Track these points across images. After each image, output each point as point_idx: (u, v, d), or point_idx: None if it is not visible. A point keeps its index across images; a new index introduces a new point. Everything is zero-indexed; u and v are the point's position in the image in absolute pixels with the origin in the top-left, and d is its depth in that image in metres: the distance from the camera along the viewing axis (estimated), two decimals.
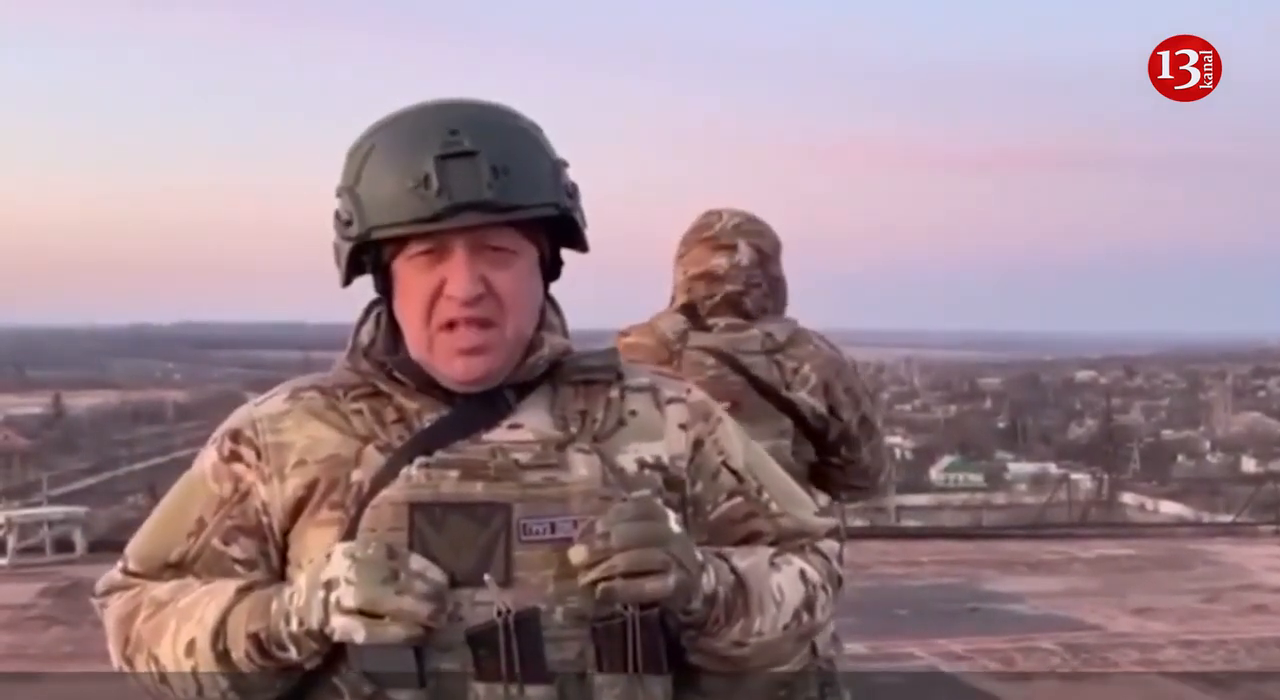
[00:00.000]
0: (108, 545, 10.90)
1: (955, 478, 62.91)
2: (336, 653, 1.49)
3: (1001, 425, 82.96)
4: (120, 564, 1.67)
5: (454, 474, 1.51)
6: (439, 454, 1.52)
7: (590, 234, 1.62)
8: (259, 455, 1.59)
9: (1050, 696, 6.80)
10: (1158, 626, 8.46)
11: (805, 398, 3.11)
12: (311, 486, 1.56)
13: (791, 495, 1.73)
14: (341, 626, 1.45)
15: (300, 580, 1.50)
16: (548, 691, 1.46)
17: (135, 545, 1.66)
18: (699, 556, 1.53)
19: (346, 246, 1.57)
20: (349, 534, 1.51)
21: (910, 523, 22.47)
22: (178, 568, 1.61)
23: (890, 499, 21.02)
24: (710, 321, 3.19)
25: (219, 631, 1.52)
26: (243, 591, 1.54)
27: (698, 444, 1.65)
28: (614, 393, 1.63)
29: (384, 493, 1.51)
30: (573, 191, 1.58)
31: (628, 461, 1.59)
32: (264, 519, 1.59)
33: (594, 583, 1.47)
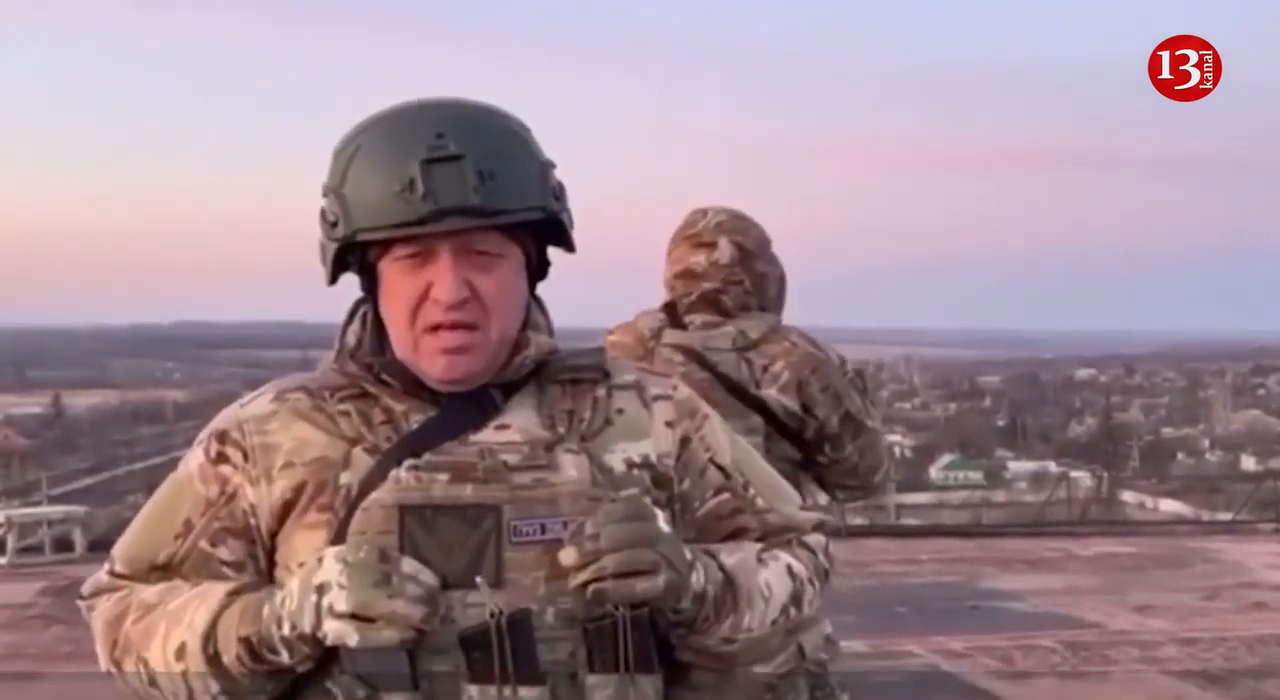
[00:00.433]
0: (107, 545, 10.70)
1: (955, 476, 62.90)
2: (328, 656, 1.49)
3: (1001, 423, 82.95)
4: (107, 566, 1.66)
5: (443, 476, 1.51)
6: (428, 456, 1.52)
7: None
8: (246, 457, 1.59)
9: (1050, 694, 6.80)
10: (1157, 624, 8.46)
11: (775, 395, 3.10)
12: (299, 489, 1.56)
13: (777, 490, 1.73)
14: (334, 630, 1.44)
15: (292, 584, 1.49)
16: (540, 692, 1.47)
17: (122, 547, 1.65)
18: (688, 555, 1.53)
19: (332, 247, 1.56)
20: (338, 537, 1.51)
21: (910, 521, 22.47)
22: (165, 570, 1.61)
23: (890, 497, 21.00)
24: (688, 319, 3.20)
25: (209, 635, 1.52)
26: (233, 595, 1.54)
27: (684, 441, 1.65)
28: (601, 391, 1.63)
29: (373, 495, 1.51)
30: (559, 193, 1.58)
31: (616, 461, 1.59)
32: (252, 521, 1.58)
33: (585, 584, 1.47)
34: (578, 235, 1.62)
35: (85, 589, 1.67)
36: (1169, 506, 35.27)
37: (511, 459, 1.53)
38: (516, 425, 1.57)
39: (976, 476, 62.08)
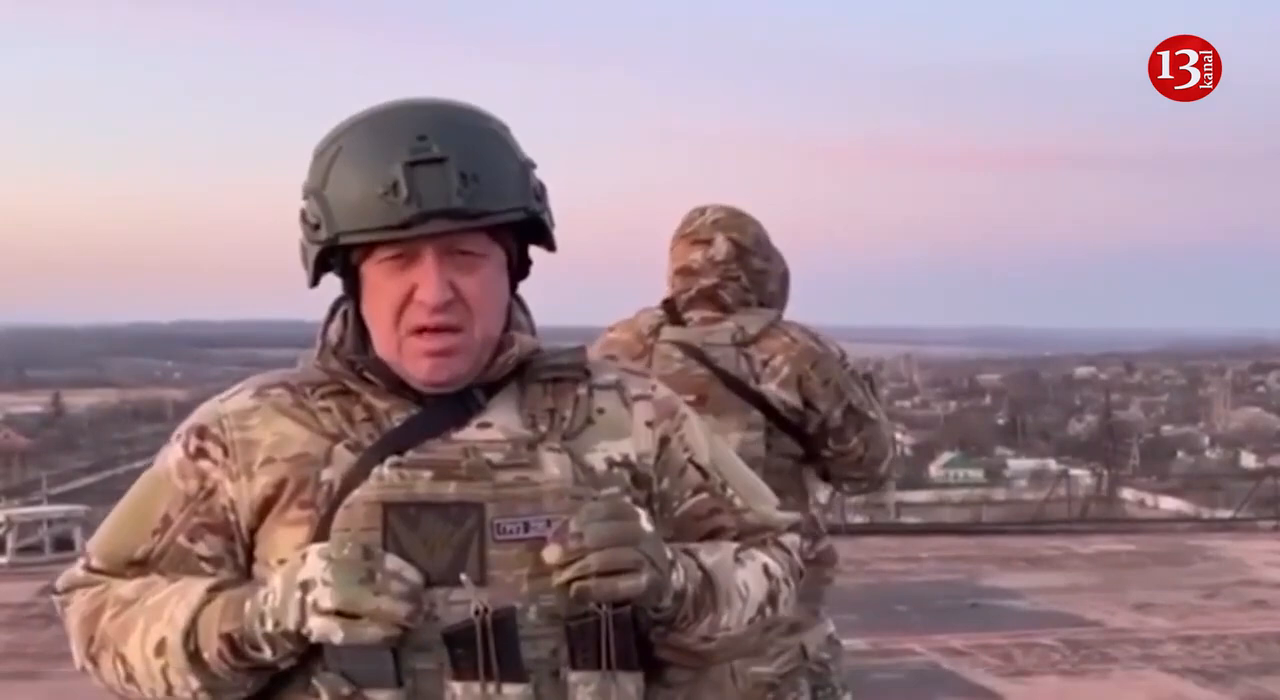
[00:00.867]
0: None
1: (955, 474, 62.97)
2: (310, 653, 1.48)
3: (1001, 421, 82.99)
4: (82, 561, 1.65)
5: (427, 474, 1.51)
6: (411, 454, 1.52)
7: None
8: (226, 452, 1.58)
9: (1050, 692, 6.80)
10: (1157, 622, 8.46)
11: (775, 390, 3.11)
12: (280, 485, 1.55)
13: (755, 490, 1.74)
14: (319, 627, 1.44)
15: (275, 581, 1.48)
16: (524, 690, 1.47)
17: (98, 542, 1.64)
18: (669, 554, 1.54)
19: (314, 249, 1.55)
20: (320, 533, 1.50)
21: (910, 519, 22.50)
22: (142, 565, 1.59)
23: (890, 495, 21.04)
24: (687, 316, 3.21)
25: (190, 631, 1.51)
26: (214, 591, 1.53)
27: (664, 441, 1.65)
28: (582, 390, 1.63)
29: (356, 493, 1.50)
30: (540, 193, 1.58)
31: (596, 460, 1.59)
32: (231, 517, 1.58)
33: (568, 582, 1.47)
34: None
35: (59, 584, 1.65)
36: (1169, 504, 35.30)
37: (494, 457, 1.53)
38: (499, 424, 1.57)
39: (976, 475, 62.15)
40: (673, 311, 3.23)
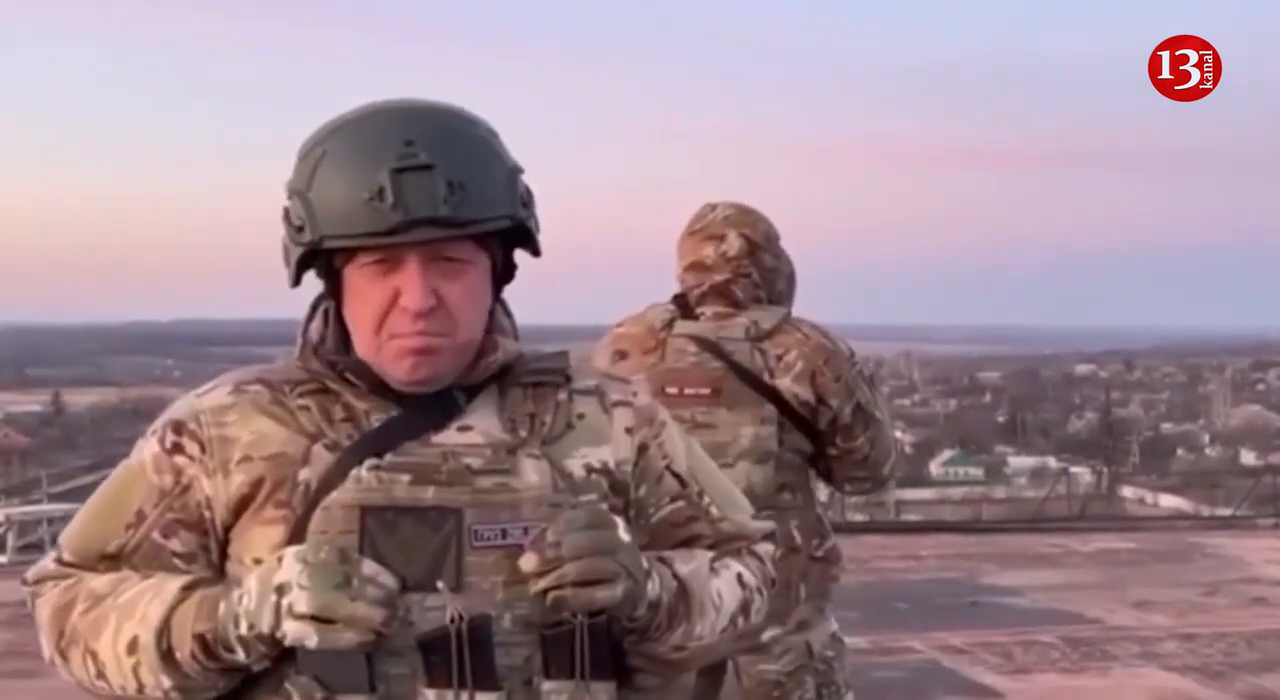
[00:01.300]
0: None
1: (955, 472, 62.97)
2: (284, 655, 1.48)
3: (1001, 419, 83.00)
4: (54, 553, 1.64)
5: (405, 477, 1.50)
6: (390, 457, 1.51)
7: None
8: (203, 448, 1.57)
9: (1050, 690, 6.79)
10: (1157, 620, 8.45)
11: (788, 385, 3.12)
12: (257, 484, 1.54)
13: (731, 499, 1.73)
14: (294, 631, 1.43)
15: (250, 583, 1.48)
16: (496, 698, 1.47)
17: (70, 535, 1.63)
18: (645, 563, 1.54)
19: (297, 251, 1.54)
20: (296, 534, 1.50)
21: (910, 517, 22.48)
22: (115, 559, 1.58)
23: (890, 493, 21.01)
24: (699, 310, 3.22)
25: (163, 630, 1.50)
26: (188, 589, 1.52)
27: (643, 448, 1.65)
28: (562, 395, 1.62)
29: (334, 495, 1.49)
30: (527, 199, 1.56)
31: (575, 466, 1.59)
32: (206, 513, 1.57)
33: (545, 591, 1.47)
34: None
35: (30, 575, 1.64)
36: (1169, 502, 35.28)
37: (474, 462, 1.52)
38: (478, 427, 1.56)
39: (977, 472, 62.15)
40: (685, 306, 3.24)
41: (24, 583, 1.65)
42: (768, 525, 1.76)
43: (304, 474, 1.53)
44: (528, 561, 1.48)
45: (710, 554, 1.66)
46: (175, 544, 1.58)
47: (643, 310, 3.31)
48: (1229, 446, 69.48)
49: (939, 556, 11.33)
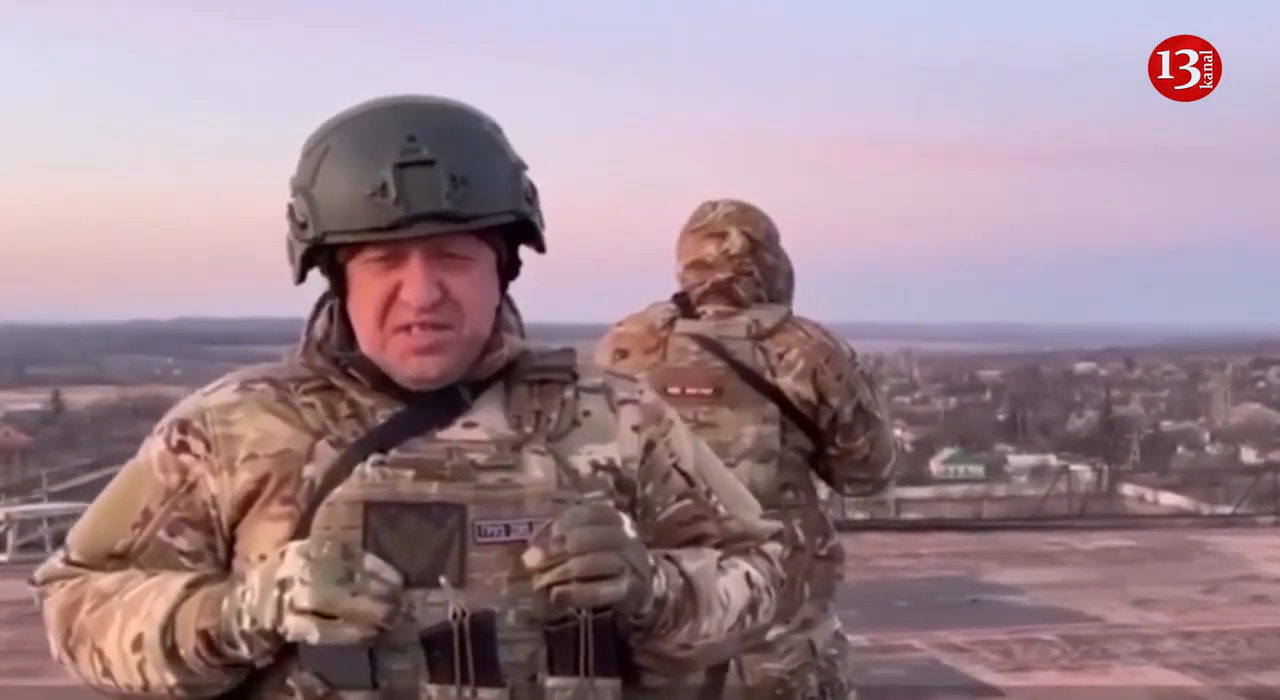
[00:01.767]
0: None
1: (955, 470, 62.97)
2: (287, 651, 1.48)
3: (1001, 417, 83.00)
4: (61, 553, 1.64)
5: (409, 473, 1.50)
6: (394, 453, 1.51)
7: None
8: (209, 447, 1.57)
9: (1050, 688, 6.79)
10: (1158, 618, 8.45)
11: (790, 383, 3.12)
12: (263, 481, 1.55)
13: (739, 498, 1.73)
14: (295, 626, 1.44)
15: (253, 578, 1.48)
16: (499, 694, 1.46)
17: (77, 534, 1.63)
18: (650, 560, 1.53)
19: (301, 247, 1.55)
20: (301, 530, 1.50)
21: (910, 515, 22.47)
22: (122, 558, 1.59)
23: (890, 492, 20.99)
24: (700, 309, 3.21)
25: (168, 627, 1.50)
26: (192, 586, 1.52)
27: (649, 446, 1.65)
28: (568, 393, 1.62)
29: (338, 491, 1.49)
30: (531, 194, 1.57)
31: (581, 463, 1.59)
32: (212, 512, 1.57)
33: (549, 586, 1.47)
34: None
35: (38, 575, 1.65)
36: (1169, 500, 35.33)
37: (478, 458, 1.52)
38: (484, 423, 1.56)
39: (977, 471, 62.17)
40: (686, 305, 3.24)
41: (32, 583, 1.66)
42: (776, 525, 1.76)
43: (309, 470, 1.53)
44: (531, 557, 1.47)
45: (718, 553, 1.66)
46: (182, 542, 1.58)
47: (643, 309, 3.30)
48: (1229, 444, 69.50)
49: (939, 555, 11.34)
